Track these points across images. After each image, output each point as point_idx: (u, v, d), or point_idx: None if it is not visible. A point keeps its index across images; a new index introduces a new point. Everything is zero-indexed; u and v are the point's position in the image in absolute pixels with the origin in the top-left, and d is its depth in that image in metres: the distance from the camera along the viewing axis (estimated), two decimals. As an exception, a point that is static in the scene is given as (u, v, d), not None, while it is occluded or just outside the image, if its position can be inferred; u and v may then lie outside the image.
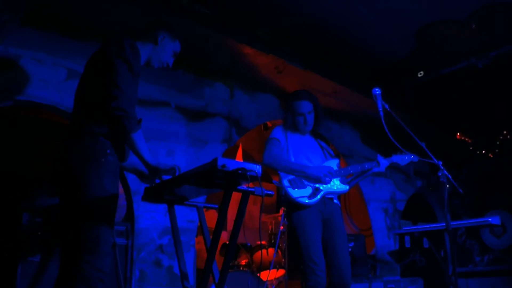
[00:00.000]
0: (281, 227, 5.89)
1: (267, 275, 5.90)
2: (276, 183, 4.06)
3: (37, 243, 3.86)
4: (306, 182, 3.83)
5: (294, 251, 3.88)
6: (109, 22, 4.65)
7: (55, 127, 5.81)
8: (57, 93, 4.56)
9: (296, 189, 3.78)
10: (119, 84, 2.51)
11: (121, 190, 4.95)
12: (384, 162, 3.98)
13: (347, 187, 3.96)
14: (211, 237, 2.70)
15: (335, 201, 3.93)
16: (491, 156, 8.74)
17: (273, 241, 6.55)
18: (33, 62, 4.47)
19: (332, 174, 3.84)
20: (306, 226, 3.70)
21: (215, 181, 2.38)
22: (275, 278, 6.23)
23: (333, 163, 4.00)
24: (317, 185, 3.82)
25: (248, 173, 2.38)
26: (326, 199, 3.85)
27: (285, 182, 3.83)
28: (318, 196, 3.77)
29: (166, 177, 2.86)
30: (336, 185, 3.90)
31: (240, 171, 2.37)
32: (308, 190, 3.79)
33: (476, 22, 5.44)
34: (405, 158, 4.03)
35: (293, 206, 3.80)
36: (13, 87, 4.35)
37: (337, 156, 4.24)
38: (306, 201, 3.74)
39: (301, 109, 3.96)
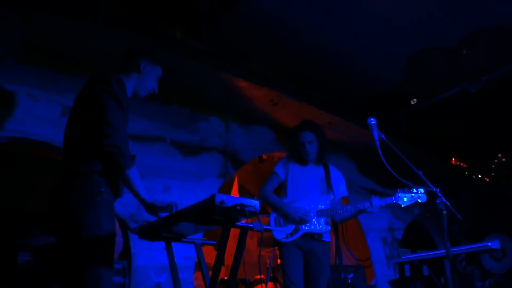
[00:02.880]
0: (278, 261, 5.80)
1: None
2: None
3: (32, 282, 3.81)
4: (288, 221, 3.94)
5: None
6: (102, 58, 4.66)
7: (50, 163, 5.76)
8: (51, 130, 4.55)
9: (279, 227, 3.92)
10: (110, 121, 2.49)
11: (117, 227, 4.89)
12: (378, 202, 3.79)
13: (328, 228, 3.94)
14: (209, 273, 2.65)
15: (323, 238, 3.94)
16: (487, 180, 8.73)
17: (271, 275, 6.46)
18: (28, 98, 4.48)
19: (307, 217, 3.82)
20: (288, 259, 3.84)
21: (213, 217, 2.34)
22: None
23: (325, 200, 4.00)
24: (297, 225, 3.90)
25: (246, 208, 2.34)
26: (308, 236, 3.89)
27: (272, 220, 4.00)
28: (296, 236, 3.87)
29: (163, 214, 2.83)
30: (318, 225, 3.90)
31: (238, 207, 2.33)
32: (290, 228, 3.90)
33: (467, 48, 5.49)
34: (406, 200, 3.79)
35: (276, 242, 3.95)
36: (7, 123, 4.34)
37: None
38: (284, 239, 3.88)
39: (302, 139, 4.05)
